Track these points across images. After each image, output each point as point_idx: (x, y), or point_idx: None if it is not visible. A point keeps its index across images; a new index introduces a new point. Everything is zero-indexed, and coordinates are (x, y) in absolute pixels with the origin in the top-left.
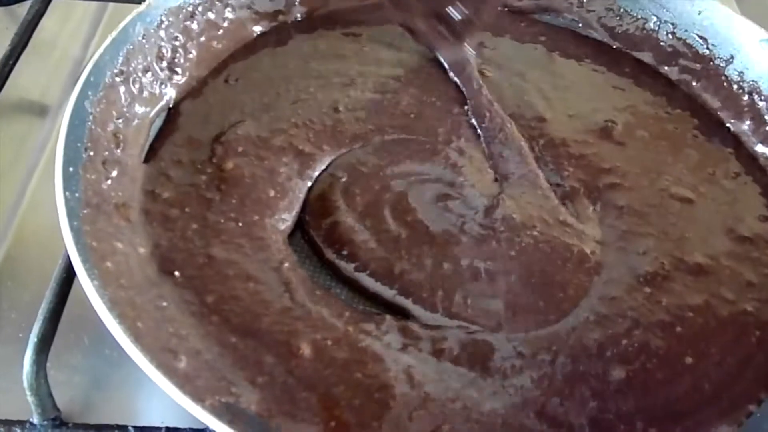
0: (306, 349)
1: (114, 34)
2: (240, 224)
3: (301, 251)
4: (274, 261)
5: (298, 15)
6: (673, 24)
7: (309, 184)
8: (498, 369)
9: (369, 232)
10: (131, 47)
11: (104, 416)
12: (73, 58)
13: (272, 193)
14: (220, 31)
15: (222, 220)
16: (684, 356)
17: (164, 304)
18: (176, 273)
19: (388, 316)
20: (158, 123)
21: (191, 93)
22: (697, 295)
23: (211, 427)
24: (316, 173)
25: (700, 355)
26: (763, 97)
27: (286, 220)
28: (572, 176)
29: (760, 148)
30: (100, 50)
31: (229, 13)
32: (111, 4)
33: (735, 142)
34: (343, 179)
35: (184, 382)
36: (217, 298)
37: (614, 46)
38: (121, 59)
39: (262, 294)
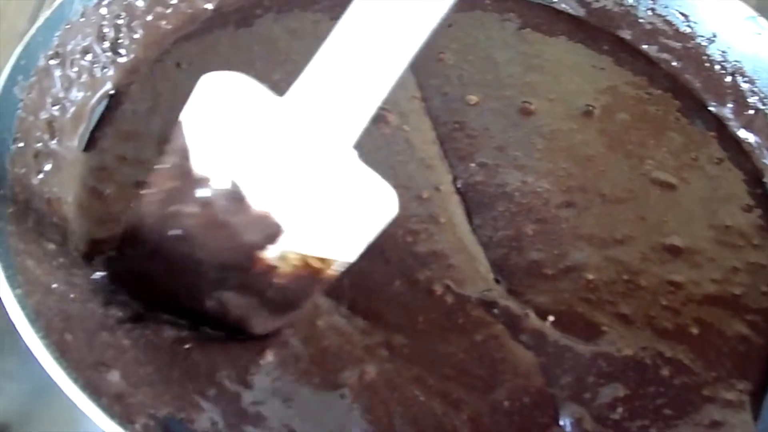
0: (270, 356)
1: (47, 13)
2: None
3: None
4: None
5: None
6: None
7: None
8: None
9: None
10: (68, 27)
11: (46, 425)
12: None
13: None
14: (169, 9)
15: None
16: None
17: (110, 310)
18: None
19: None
20: (100, 110)
21: (137, 78)
22: (677, 275)
23: None
24: None
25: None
26: (746, 79)
27: None
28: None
29: (743, 133)
30: (32, 31)
31: None
32: None
33: (718, 124)
34: None
35: (113, 401)
36: None
37: (591, 23)
38: (56, 40)
39: None
